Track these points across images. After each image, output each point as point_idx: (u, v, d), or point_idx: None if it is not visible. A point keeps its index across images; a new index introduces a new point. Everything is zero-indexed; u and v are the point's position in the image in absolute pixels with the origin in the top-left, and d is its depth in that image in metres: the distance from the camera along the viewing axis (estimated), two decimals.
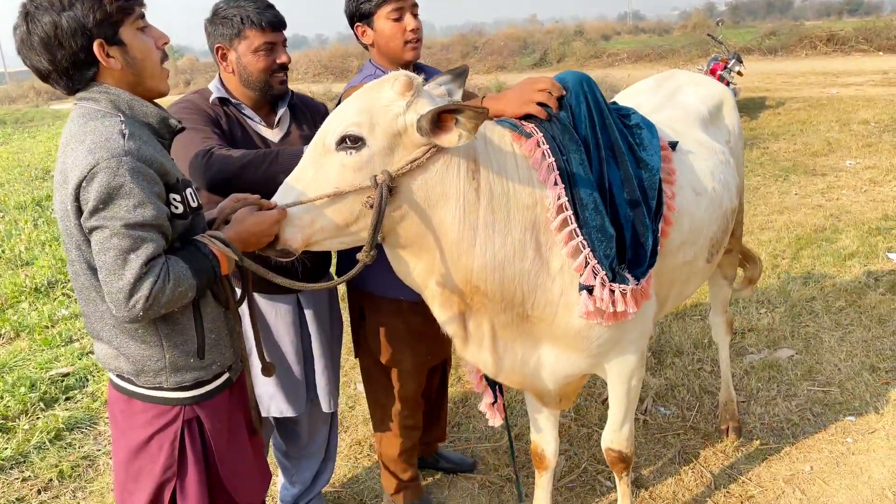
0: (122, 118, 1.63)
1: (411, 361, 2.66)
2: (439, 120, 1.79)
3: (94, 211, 1.54)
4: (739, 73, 10.91)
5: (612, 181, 2.05)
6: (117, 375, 1.78)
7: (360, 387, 3.66)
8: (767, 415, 3.50)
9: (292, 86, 2.60)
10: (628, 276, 2.01)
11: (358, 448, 3.51)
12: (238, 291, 1.98)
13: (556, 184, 1.96)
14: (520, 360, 2.16)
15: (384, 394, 2.76)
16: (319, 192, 1.81)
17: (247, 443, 1.94)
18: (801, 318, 4.45)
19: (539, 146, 1.99)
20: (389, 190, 1.78)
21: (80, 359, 4.59)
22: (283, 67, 2.41)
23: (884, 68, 15.81)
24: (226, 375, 1.86)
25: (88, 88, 1.67)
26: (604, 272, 1.96)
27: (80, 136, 1.59)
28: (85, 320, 1.76)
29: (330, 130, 1.83)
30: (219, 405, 1.83)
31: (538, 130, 2.03)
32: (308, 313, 2.55)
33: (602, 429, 3.45)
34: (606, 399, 3.71)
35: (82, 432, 3.79)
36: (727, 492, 3.00)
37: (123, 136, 1.57)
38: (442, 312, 2.05)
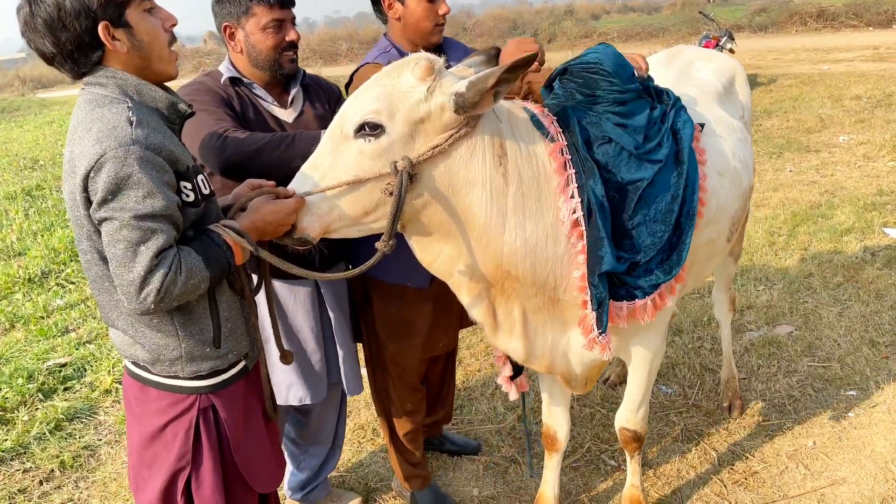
0: (130, 104, 1.58)
1: (416, 349, 2.63)
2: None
3: (103, 202, 1.51)
4: (731, 51, 10.87)
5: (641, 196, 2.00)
6: (132, 362, 1.76)
7: (362, 370, 3.64)
8: (769, 391, 3.52)
9: None
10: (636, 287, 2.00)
11: (361, 432, 3.51)
12: (255, 279, 1.95)
13: (571, 197, 1.91)
14: (549, 345, 2.14)
15: (385, 378, 2.74)
16: (337, 179, 1.76)
17: (262, 430, 1.92)
18: (800, 294, 4.46)
19: (562, 154, 1.93)
20: (410, 177, 1.73)
21: (77, 349, 4.56)
22: (293, 45, 2.34)
23: (874, 43, 15.84)
24: (242, 364, 1.84)
25: (95, 72, 1.62)
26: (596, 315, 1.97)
27: (87, 124, 1.55)
28: (100, 309, 1.73)
29: (348, 117, 1.77)
30: (234, 393, 1.81)
31: (562, 136, 1.96)
32: (328, 297, 2.52)
33: (605, 409, 3.49)
34: (608, 379, 3.72)
35: (82, 422, 3.77)
36: (731, 468, 3.02)
37: (131, 123, 1.53)
38: (469, 299, 2.01)
